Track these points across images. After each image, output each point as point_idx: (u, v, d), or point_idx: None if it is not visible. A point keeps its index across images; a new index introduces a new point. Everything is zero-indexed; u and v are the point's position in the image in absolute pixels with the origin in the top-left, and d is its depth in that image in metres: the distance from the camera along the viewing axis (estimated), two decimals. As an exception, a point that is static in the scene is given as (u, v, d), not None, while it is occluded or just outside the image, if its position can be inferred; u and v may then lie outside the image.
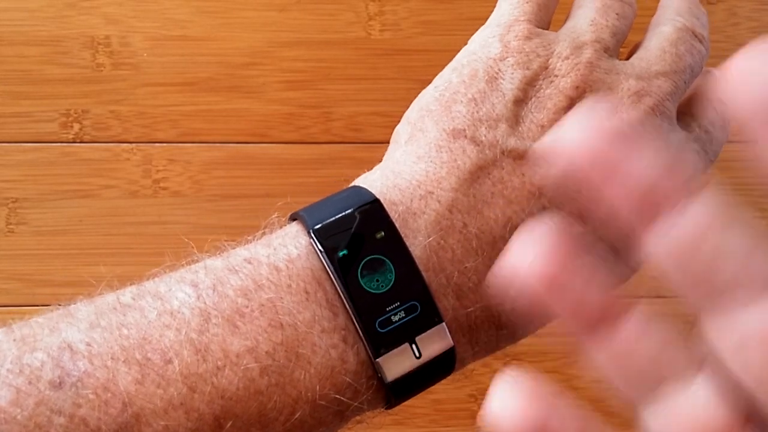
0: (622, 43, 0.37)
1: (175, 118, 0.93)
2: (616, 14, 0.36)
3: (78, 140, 0.92)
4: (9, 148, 0.92)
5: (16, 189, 0.91)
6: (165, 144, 0.93)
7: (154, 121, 0.93)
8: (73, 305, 0.31)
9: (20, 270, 0.91)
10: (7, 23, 0.93)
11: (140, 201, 0.92)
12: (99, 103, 0.93)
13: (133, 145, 0.93)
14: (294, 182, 0.93)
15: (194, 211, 0.92)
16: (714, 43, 0.96)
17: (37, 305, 0.89)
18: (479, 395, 0.90)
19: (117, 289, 0.31)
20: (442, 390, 0.95)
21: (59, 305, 0.31)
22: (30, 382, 0.27)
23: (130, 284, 0.31)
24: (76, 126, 0.92)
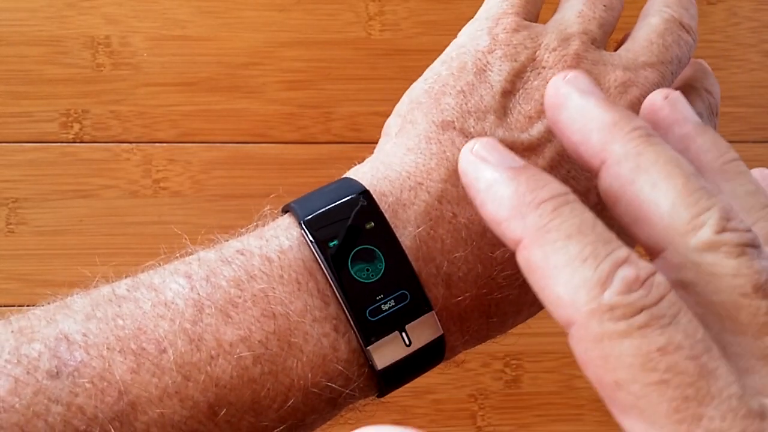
0: (609, 35, 0.37)
1: (175, 118, 0.93)
2: (604, 5, 0.37)
3: (78, 140, 0.92)
4: (9, 148, 0.92)
5: (16, 189, 0.92)
6: (165, 144, 0.93)
7: (154, 121, 0.93)
8: (69, 297, 0.31)
9: (20, 270, 0.91)
10: (7, 23, 0.93)
11: (140, 201, 0.92)
12: (99, 103, 0.93)
13: (133, 145, 0.93)
14: (294, 182, 0.93)
15: (194, 211, 0.93)
16: (714, 43, 0.96)
17: (37, 305, 0.89)
18: (479, 395, 0.90)
19: (113, 282, 0.31)
20: (442, 390, 0.95)
21: (56, 298, 0.31)
22: (28, 372, 0.28)
23: (126, 276, 0.32)
24: (76, 126, 0.93)
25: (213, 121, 0.94)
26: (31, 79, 0.93)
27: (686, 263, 0.23)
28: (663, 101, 0.28)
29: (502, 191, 0.24)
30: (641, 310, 0.21)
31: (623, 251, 0.22)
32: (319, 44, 0.96)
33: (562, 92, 0.27)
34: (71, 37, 0.94)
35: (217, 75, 0.95)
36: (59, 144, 0.92)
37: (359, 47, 0.96)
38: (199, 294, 0.30)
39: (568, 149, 0.27)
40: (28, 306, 0.85)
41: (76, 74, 0.93)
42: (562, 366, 0.92)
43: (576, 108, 0.26)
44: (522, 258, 0.24)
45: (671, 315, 0.21)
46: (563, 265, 0.22)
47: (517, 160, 0.25)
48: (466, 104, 0.34)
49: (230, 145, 0.94)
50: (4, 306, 0.90)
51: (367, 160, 0.35)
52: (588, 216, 0.23)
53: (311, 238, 0.31)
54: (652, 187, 0.24)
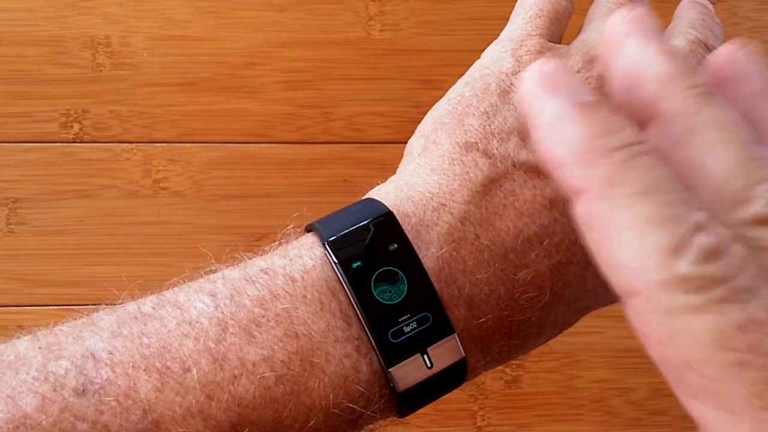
0: None
1: (175, 118, 0.93)
2: None
3: (78, 140, 0.92)
4: (9, 148, 0.92)
5: (16, 189, 0.91)
6: (165, 144, 0.93)
7: (154, 121, 0.93)
8: (95, 314, 0.31)
9: (20, 270, 0.91)
10: (7, 23, 0.93)
11: (140, 201, 0.92)
12: (99, 103, 0.93)
13: (133, 145, 0.93)
14: (294, 182, 0.93)
15: (194, 211, 0.93)
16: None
17: (37, 305, 0.90)
18: (479, 395, 0.91)
19: (138, 298, 0.32)
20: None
21: (82, 314, 0.31)
22: (55, 389, 0.28)
23: (151, 293, 0.32)
24: (76, 126, 0.92)
25: (213, 121, 0.94)
26: (31, 79, 0.93)
27: (735, 237, 0.21)
28: (735, 54, 0.25)
29: (569, 130, 0.22)
30: (720, 283, 0.19)
31: (702, 215, 0.20)
32: (319, 44, 0.96)
33: (622, 30, 0.24)
34: (71, 37, 0.94)
35: (217, 75, 0.95)
36: (59, 144, 0.92)
37: (359, 47, 0.96)
38: (223, 313, 0.30)
39: (615, 95, 0.24)
40: (28, 306, 0.84)
41: (76, 74, 0.93)
42: (562, 366, 0.93)
43: (634, 51, 0.24)
44: (582, 210, 0.21)
45: (753, 289, 0.19)
46: (632, 226, 0.20)
47: (589, 93, 0.23)
48: (489, 125, 0.34)
49: (230, 145, 0.94)
50: (4, 306, 0.90)
51: (389, 180, 0.35)
52: (664, 171, 0.21)
53: (335, 259, 0.31)
54: (704, 152, 0.22)
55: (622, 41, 0.24)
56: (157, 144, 0.93)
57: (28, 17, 0.93)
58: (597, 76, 0.35)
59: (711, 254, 0.19)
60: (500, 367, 0.94)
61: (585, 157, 0.21)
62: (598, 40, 0.36)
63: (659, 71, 0.23)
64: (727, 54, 0.26)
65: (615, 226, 0.20)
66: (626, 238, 0.20)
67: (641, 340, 0.20)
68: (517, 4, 0.38)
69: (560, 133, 0.22)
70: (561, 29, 0.38)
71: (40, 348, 0.30)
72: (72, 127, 0.93)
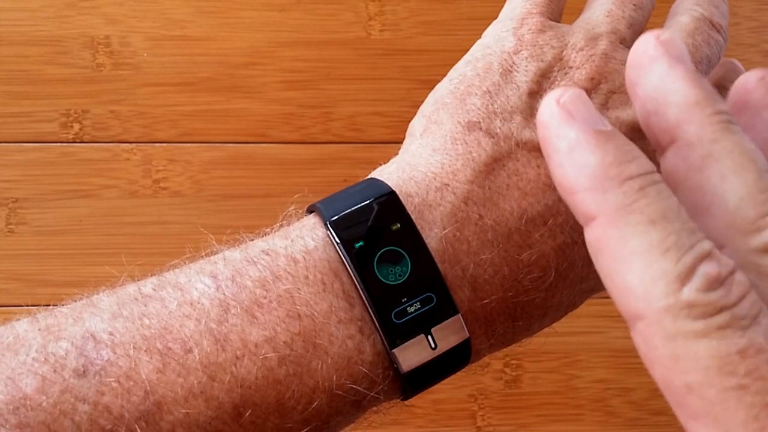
0: (639, 35, 0.37)
1: (175, 118, 0.93)
2: (633, 5, 0.36)
3: (78, 140, 0.92)
4: (9, 148, 0.92)
5: (16, 189, 0.91)
6: (165, 144, 0.93)
7: (154, 121, 0.93)
8: (95, 296, 0.31)
9: (20, 270, 0.91)
10: (7, 23, 0.93)
11: (140, 201, 0.92)
12: (99, 103, 0.93)
13: (133, 145, 0.93)
14: (294, 182, 0.93)
15: (194, 211, 0.92)
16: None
17: (37, 305, 0.89)
18: (479, 395, 0.90)
19: (138, 280, 0.31)
20: (442, 390, 0.95)
21: (82, 296, 0.31)
22: (55, 371, 0.28)
23: (151, 275, 0.32)
24: (76, 126, 0.92)
25: (213, 121, 0.94)
26: (31, 79, 0.93)
27: (745, 264, 0.22)
28: (757, 82, 0.26)
29: (586, 158, 0.22)
30: (722, 310, 0.20)
31: (707, 244, 0.21)
32: (319, 44, 0.96)
33: (651, 54, 0.24)
34: (71, 37, 0.94)
35: (217, 75, 0.95)
36: (59, 144, 0.92)
37: (359, 47, 0.96)
38: (224, 294, 0.30)
39: (639, 116, 0.25)
40: (28, 306, 0.84)
41: (76, 74, 0.93)
42: (562, 366, 0.92)
43: (660, 76, 0.24)
44: (593, 236, 0.22)
45: (752, 316, 0.20)
46: (641, 252, 0.21)
47: (605, 122, 0.23)
48: (492, 105, 0.34)
49: (230, 145, 0.94)
50: (4, 306, 0.90)
51: (392, 160, 0.35)
52: (674, 201, 0.22)
53: (337, 239, 0.31)
54: (721, 178, 0.22)
55: (648, 65, 0.24)
56: (157, 144, 0.93)
57: (28, 17, 0.94)
58: (600, 53, 0.35)
59: (715, 282, 0.20)
60: (500, 367, 0.94)
61: (600, 184, 0.22)
62: (603, 18, 0.36)
63: (683, 97, 0.24)
64: (748, 82, 0.26)
65: (625, 251, 0.21)
66: (635, 264, 0.21)
67: (645, 363, 0.21)
68: None
69: (577, 160, 0.23)
70: (561, 7, 0.37)
71: (39, 329, 0.29)
72: (72, 127, 0.93)
